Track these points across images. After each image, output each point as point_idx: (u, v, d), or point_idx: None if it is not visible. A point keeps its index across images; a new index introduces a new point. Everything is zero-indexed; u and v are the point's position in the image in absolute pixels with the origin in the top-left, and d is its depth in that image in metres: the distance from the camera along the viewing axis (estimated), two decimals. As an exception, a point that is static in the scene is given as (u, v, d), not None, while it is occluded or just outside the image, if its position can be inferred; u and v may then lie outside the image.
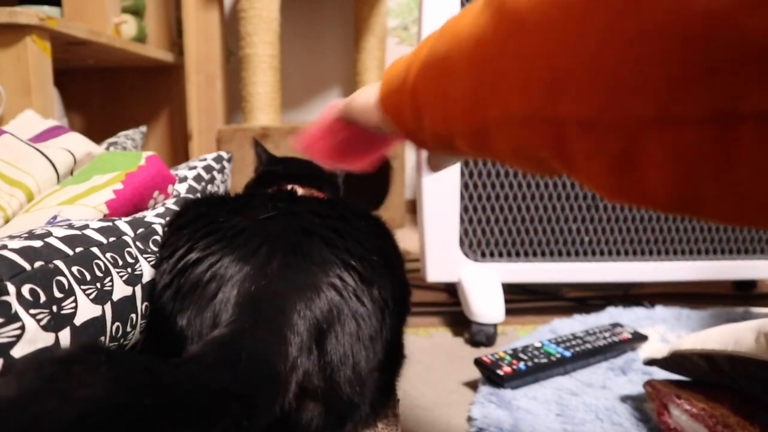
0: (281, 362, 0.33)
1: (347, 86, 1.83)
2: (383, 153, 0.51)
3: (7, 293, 0.30)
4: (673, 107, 0.25)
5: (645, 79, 0.25)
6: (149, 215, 0.51)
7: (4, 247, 0.33)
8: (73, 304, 0.35)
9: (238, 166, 1.30)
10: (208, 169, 0.71)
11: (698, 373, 0.61)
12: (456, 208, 0.97)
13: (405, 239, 0.49)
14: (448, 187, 0.96)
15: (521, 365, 0.75)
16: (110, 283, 0.39)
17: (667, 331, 0.93)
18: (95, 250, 0.40)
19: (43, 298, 0.32)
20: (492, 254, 1.00)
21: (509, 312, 0.96)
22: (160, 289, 0.42)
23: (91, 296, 0.37)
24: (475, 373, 0.78)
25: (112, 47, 1.26)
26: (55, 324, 0.33)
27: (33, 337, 0.31)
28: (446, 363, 0.84)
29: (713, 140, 0.24)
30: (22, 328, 0.30)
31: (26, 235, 0.37)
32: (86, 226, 0.42)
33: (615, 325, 0.89)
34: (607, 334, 0.85)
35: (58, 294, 0.34)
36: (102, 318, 0.37)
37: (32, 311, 0.31)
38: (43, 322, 0.32)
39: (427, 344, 0.91)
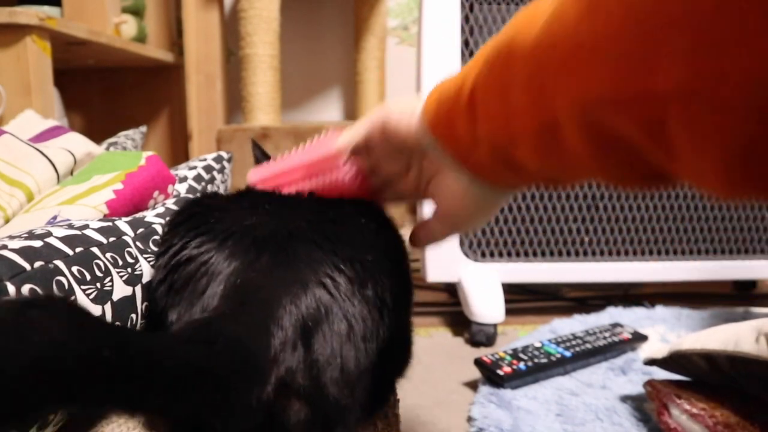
0: (261, 352, 0.32)
1: (347, 86, 1.83)
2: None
3: (7, 293, 0.30)
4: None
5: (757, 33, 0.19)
6: (149, 215, 0.51)
7: (4, 247, 0.33)
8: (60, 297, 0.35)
9: (238, 166, 1.30)
10: (208, 169, 0.71)
11: (698, 373, 0.61)
12: (456, 208, 0.97)
13: (405, 239, 0.49)
14: (448, 187, 0.95)
15: (521, 365, 0.75)
16: (110, 283, 0.39)
17: (667, 331, 0.93)
18: (95, 250, 0.40)
19: (43, 298, 0.32)
20: (492, 254, 1.00)
21: (509, 312, 0.96)
22: (155, 284, 0.42)
23: (91, 296, 0.37)
24: (475, 373, 0.78)
25: (112, 47, 1.26)
26: (55, 324, 0.32)
27: (33, 337, 0.31)
28: (446, 363, 0.84)
29: None
30: (22, 328, 0.30)
31: (26, 235, 0.38)
32: (86, 226, 0.42)
33: (615, 325, 0.89)
34: (607, 334, 0.85)
35: (58, 294, 0.34)
36: (102, 318, 0.37)
37: (32, 311, 0.31)
38: (43, 322, 0.31)
39: (427, 344, 0.91)
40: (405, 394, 0.73)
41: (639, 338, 0.86)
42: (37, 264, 0.34)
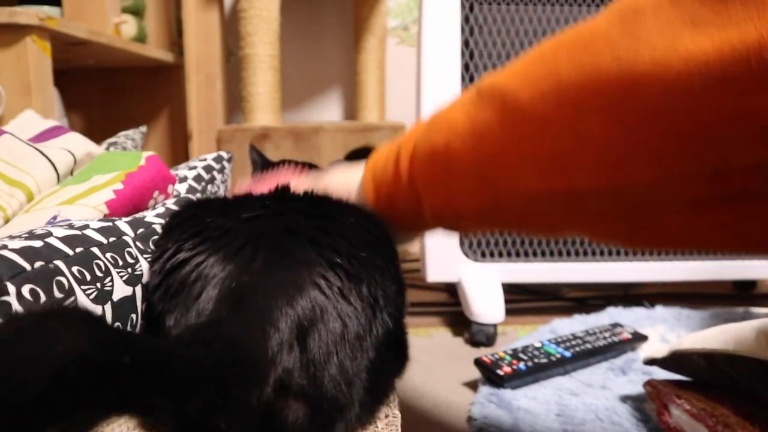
0: (259, 353, 0.33)
1: (347, 86, 1.83)
2: None
3: (7, 293, 0.30)
4: (676, 169, 0.30)
5: (649, 152, 0.31)
6: (149, 215, 0.51)
7: (5, 247, 0.33)
8: (74, 305, 0.35)
9: (238, 166, 1.30)
10: (208, 169, 0.71)
11: (698, 372, 0.61)
12: (456, 208, 0.97)
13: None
14: (448, 187, 0.95)
15: (521, 365, 0.75)
16: (110, 284, 0.39)
17: (667, 331, 0.93)
18: (95, 250, 0.40)
19: (43, 299, 0.32)
20: (492, 254, 1.00)
21: (509, 312, 0.96)
22: (150, 289, 0.42)
23: (92, 296, 0.37)
24: (475, 373, 0.78)
25: (112, 47, 1.26)
26: (55, 324, 0.33)
27: (33, 338, 0.31)
28: (446, 363, 0.84)
29: (710, 187, 0.30)
30: (23, 328, 0.30)
31: (26, 235, 0.37)
32: (86, 226, 0.42)
33: (615, 325, 0.89)
34: (607, 334, 0.85)
35: (58, 294, 0.34)
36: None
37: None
38: (43, 323, 0.31)
39: (427, 344, 0.91)
40: (405, 394, 0.73)
41: (639, 338, 0.86)
42: (38, 264, 0.34)
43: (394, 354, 0.45)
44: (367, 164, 0.49)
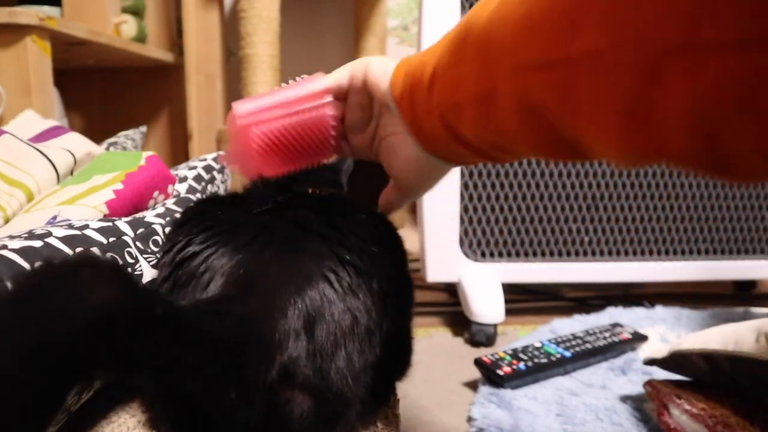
0: (266, 333, 0.33)
1: (347, 86, 1.83)
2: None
3: (7, 293, 0.30)
4: (704, 32, 0.22)
5: (671, 2, 0.23)
6: (149, 215, 0.51)
7: (5, 247, 0.33)
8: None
9: (238, 166, 1.30)
10: (209, 169, 0.71)
11: (698, 372, 0.61)
12: (456, 208, 0.97)
13: (405, 239, 0.49)
14: (448, 187, 0.96)
15: (521, 365, 0.75)
16: (110, 283, 0.39)
17: (667, 331, 0.93)
18: (95, 250, 0.40)
19: (43, 299, 0.32)
20: (492, 254, 1.00)
21: (509, 312, 0.96)
22: (159, 281, 0.42)
23: (91, 296, 0.37)
24: (475, 373, 0.78)
25: (112, 47, 1.26)
26: (55, 324, 0.32)
27: (33, 338, 0.31)
28: (446, 363, 0.84)
29: (748, 67, 0.22)
30: (22, 328, 0.30)
31: (26, 235, 0.38)
32: (86, 226, 0.42)
33: (615, 325, 0.89)
34: (607, 334, 0.85)
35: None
36: (102, 318, 0.37)
37: (32, 311, 0.31)
38: (43, 323, 0.31)
39: (427, 344, 0.91)
40: (405, 394, 0.73)
41: (639, 338, 0.86)
42: (38, 264, 0.34)
43: (398, 355, 0.45)
44: (404, 59, 0.45)
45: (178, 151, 1.76)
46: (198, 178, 0.68)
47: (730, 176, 0.26)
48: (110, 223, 0.45)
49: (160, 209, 0.54)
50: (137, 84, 1.74)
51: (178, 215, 0.49)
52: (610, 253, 1.03)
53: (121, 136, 0.90)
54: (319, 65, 1.87)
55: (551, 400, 0.70)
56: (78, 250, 0.38)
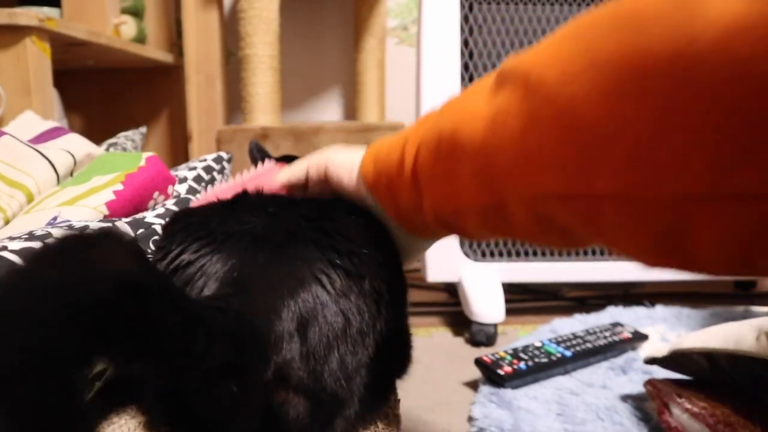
0: (264, 332, 0.33)
1: (347, 86, 1.83)
2: None
3: (7, 294, 0.30)
4: (724, 184, 0.24)
5: (692, 157, 0.25)
6: (149, 216, 0.51)
7: (5, 248, 0.33)
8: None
9: (238, 166, 1.30)
10: (208, 169, 0.71)
11: (699, 371, 0.61)
12: (456, 207, 0.97)
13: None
14: (448, 187, 0.95)
15: (522, 365, 0.75)
16: (110, 284, 0.39)
17: (668, 331, 0.93)
18: (95, 251, 0.40)
19: (43, 299, 0.32)
20: (492, 254, 1.00)
21: (509, 312, 0.96)
22: None
23: (92, 297, 0.37)
24: (476, 373, 0.78)
25: (112, 48, 1.26)
26: (55, 325, 0.32)
27: (33, 338, 0.31)
28: (446, 363, 0.84)
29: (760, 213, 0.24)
30: (23, 329, 0.30)
31: (26, 236, 0.37)
32: (86, 227, 0.42)
33: (615, 325, 0.89)
34: (607, 334, 0.85)
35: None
36: (102, 319, 0.37)
37: (32, 312, 0.31)
38: (43, 323, 0.31)
39: (427, 344, 0.91)
40: (405, 394, 0.73)
41: (639, 337, 0.86)
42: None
43: (396, 353, 0.45)
44: (368, 149, 0.45)
45: (178, 151, 1.76)
46: (198, 179, 0.68)
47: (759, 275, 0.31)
48: (110, 224, 0.45)
49: (160, 210, 0.54)
50: (137, 85, 1.73)
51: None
52: (610, 252, 1.03)
53: (121, 137, 0.90)
54: (318, 65, 1.87)
55: (552, 399, 0.70)
56: (78, 250, 0.38)
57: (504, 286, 0.97)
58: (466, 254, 0.99)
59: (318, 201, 0.48)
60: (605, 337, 0.84)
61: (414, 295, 1.15)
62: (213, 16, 1.58)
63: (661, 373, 0.68)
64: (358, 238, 0.43)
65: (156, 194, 0.58)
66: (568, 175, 0.30)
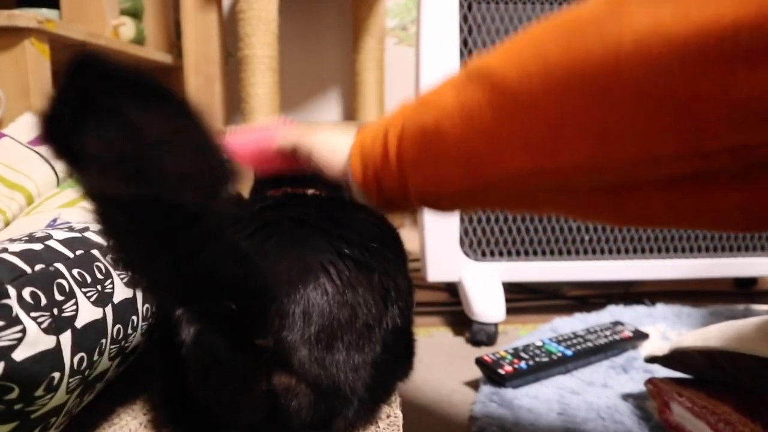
0: (273, 306, 0.33)
1: (346, 87, 1.83)
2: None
3: (8, 296, 0.30)
4: (658, 147, 0.32)
5: (632, 131, 0.32)
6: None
7: (5, 250, 0.33)
8: (74, 307, 0.35)
9: (237, 167, 1.30)
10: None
11: (699, 370, 0.61)
12: (456, 207, 0.97)
13: (405, 239, 0.50)
14: (448, 187, 0.95)
15: (522, 364, 0.75)
16: (111, 286, 0.39)
17: (668, 329, 0.93)
18: (95, 252, 0.40)
19: (44, 301, 0.32)
20: (492, 253, 1.00)
21: (510, 311, 0.96)
22: None
23: (92, 299, 0.37)
24: (477, 373, 0.78)
25: (111, 49, 1.26)
26: (56, 327, 0.33)
27: (34, 340, 0.31)
28: (447, 362, 0.84)
29: (692, 165, 0.32)
30: (24, 331, 0.30)
31: (26, 238, 0.38)
32: (86, 229, 0.42)
33: (616, 324, 0.89)
34: (608, 333, 0.85)
35: (59, 297, 0.34)
36: (103, 320, 0.37)
37: (33, 314, 0.31)
38: (44, 325, 0.32)
39: (427, 344, 0.91)
40: (406, 394, 0.73)
41: (640, 336, 0.86)
42: (38, 267, 0.34)
43: (400, 355, 0.45)
44: (355, 140, 0.49)
45: (178, 152, 1.76)
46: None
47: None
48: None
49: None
50: (136, 86, 1.73)
51: None
52: (610, 251, 1.03)
53: (121, 139, 0.90)
54: (317, 66, 1.87)
55: (552, 398, 0.70)
56: (78, 252, 0.38)
57: (504, 285, 0.97)
58: (467, 254, 0.99)
59: (327, 197, 0.49)
60: (606, 336, 0.84)
61: (415, 295, 1.15)
62: (212, 17, 1.58)
63: (662, 371, 0.68)
64: (368, 232, 0.43)
65: (156, 195, 0.58)
66: (536, 155, 0.36)
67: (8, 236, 0.40)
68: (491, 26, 0.96)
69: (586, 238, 1.02)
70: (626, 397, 0.70)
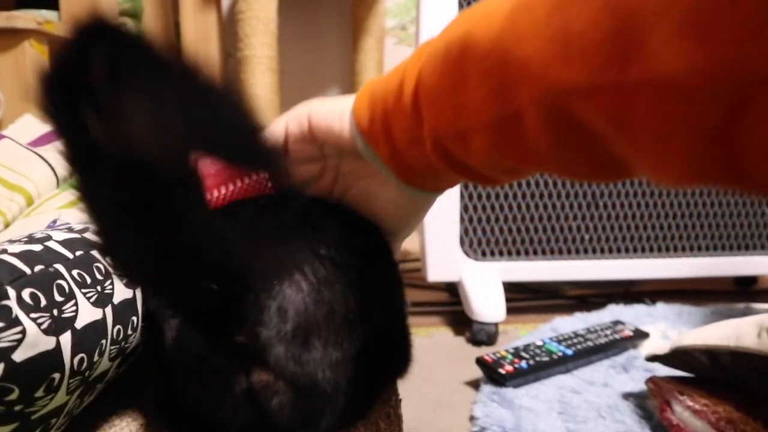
0: (254, 292, 0.33)
1: (346, 87, 1.83)
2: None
3: (7, 297, 0.30)
4: None
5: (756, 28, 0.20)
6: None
7: (4, 251, 0.33)
8: (74, 308, 0.35)
9: (237, 167, 1.30)
10: (208, 171, 0.71)
11: (700, 369, 0.61)
12: (456, 207, 0.97)
13: (405, 239, 0.50)
14: (448, 187, 0.96)
15: (523, 364, 0.75)
16: (111, 286, 0.39)
17: (669, 328, 0.93)
18: (95, 253, 0.40)
19: (43, 302, 0.32)
20: (492, 253, 1.00)
21: (510, 311, 0.96)
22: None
23: (92, 299, 0.37)
24: (477, 373, 0.78)
25: (111, 50, 1.26)
26: (56, 328, 0.33)
27: (34, 341, 0.31)
28: (447, 362, 0.84)
29: None
30: (23, 332, 0.30)
31: (26, 239, 0.37)
32: (86, 229, 0.42)
33: (616, 323, 0.89)
34: (608, 332, 0.85)
35: (58, 298, 0.34)
36: (103, 321, 0.37)
37: (33, 315, 0.31)
38: (44, 326, 0.31)
39: (428, 344, 0.91)
40: (407, 394, 0.73)
41: (640, 335, 0.86)
42: (38, 268, 0.34)
43: (393, 352, 0.44)
44: (364, 87, 0.39)
45: (178, 153, 1.76)
46: (197, 181, 0.68)
47: None
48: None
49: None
50: (136, 87, 1.73)
51: None
52: (610, 250, 1.03)
53: (121, 139, 0.90)
54: (317, 66, 1.87)
55: (553, 398, 0.70)
56: (78, 253, 0.38)
57: (504, 285, 0.97)
58: (467, 253, 0.99)
59: (308, 198, 0.48)
60: (606, 336, 0.84)
61: (414, 295, 1.15)
62: (211, 18, 1.58)
63: (663, 370, 0.68)
64: (348, 231, 0.42)
65: (156, 196, 0.58)
66: (599, 62, 0.24)
67: (8, 237, 0.40)
68: (490, 26, 0.96)
69: (586, 237, 1.02)
70: (627, 396, 0.70)
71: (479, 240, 1.00)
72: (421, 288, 1.16)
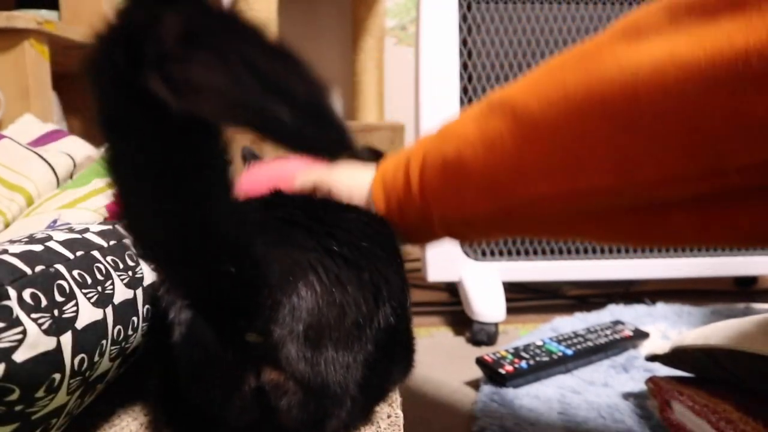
0: (269, 293, 0.33)
1: (345, 87, 1.83)
2: None
3: (8, 298, 0.30)
4: (675, 168, 0.34)
5: (650, 153, 0.34)
6: (149, 218, 0.51)
7: (5, 251, 0.33)
8: (75, 308, 0.35)
9: (238, 167, 1.30)
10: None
11: (700, 368, 0.61)
12: (456, 207, 0.97)
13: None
14: (448, 187, 0.96)
15: (523, 364, 0.75)
16: (111, 287, 0.39)
17: (669, 328, 0.93)
18: (96, 253, 0.40)
19: (44, 303, 0.32)
20: (492, 253, 1.00)
21: (510, 311, 0.96)
22: (156, 284, 0.42)
23: (93, 300, 0.37)
24: (477, 373, 0.78)
25: (111, 50, 1.26)
26: (56, 328, 0.33)
27: (34, 342, 0.31)
28: (448, 362, 0.84)
29: (709, 185, 0.34)
30: (24, 332, 0.30)
31: (27, 239, 0.37)
32: (87, 230, 0.42)
33: (616, 323, 0.89)
34: (608, 332, 0.85)
35: (59, 298, 0.34)
36: (103, 321, 0.37)
37: (33, 315, 0.31)
38: (44, 327, 0.31)
39: (428, 344, 0.91)
40: (407, 394, 0.73)
41: (640, 335, 0.86)
42: (38, 268, 0.34)
43: (397, 355, 0.44)
44: (376, 173, 0.51)
45: (178, 153, 1.76)
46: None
47: None
48: (111, 226, 0.45)
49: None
50: (136, 87, 1.73)
51: None
52: (610, 250, 1.03)
53: (121, 140, 0.90)
54: (317, 66, 1.87)
55: (553, 398, 0.70)
56: (79, 253, 0.38)
57: (504, 285, 0.97)
58: (467, 254, 0.99)
59: (317, 197, 0.48)
60: (606, 336, 0.84)
61: (415, 295, 1.14)
62: (211, 18, 1.58)
63: (663, 370, 0.68)
64: (358, 231, 0.42)
65: (156, 196, 0.58)
66: (558, 180, 0.38)
67: (8, 237, 0.40)
68: (490, 26, 0.96)
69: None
70: (627, 396, 0.70)
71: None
72: (421, 288, 1.16)
